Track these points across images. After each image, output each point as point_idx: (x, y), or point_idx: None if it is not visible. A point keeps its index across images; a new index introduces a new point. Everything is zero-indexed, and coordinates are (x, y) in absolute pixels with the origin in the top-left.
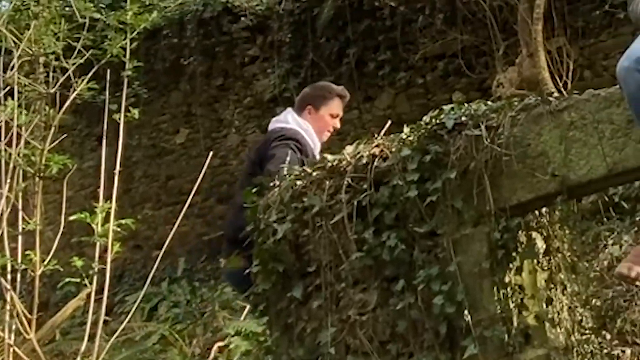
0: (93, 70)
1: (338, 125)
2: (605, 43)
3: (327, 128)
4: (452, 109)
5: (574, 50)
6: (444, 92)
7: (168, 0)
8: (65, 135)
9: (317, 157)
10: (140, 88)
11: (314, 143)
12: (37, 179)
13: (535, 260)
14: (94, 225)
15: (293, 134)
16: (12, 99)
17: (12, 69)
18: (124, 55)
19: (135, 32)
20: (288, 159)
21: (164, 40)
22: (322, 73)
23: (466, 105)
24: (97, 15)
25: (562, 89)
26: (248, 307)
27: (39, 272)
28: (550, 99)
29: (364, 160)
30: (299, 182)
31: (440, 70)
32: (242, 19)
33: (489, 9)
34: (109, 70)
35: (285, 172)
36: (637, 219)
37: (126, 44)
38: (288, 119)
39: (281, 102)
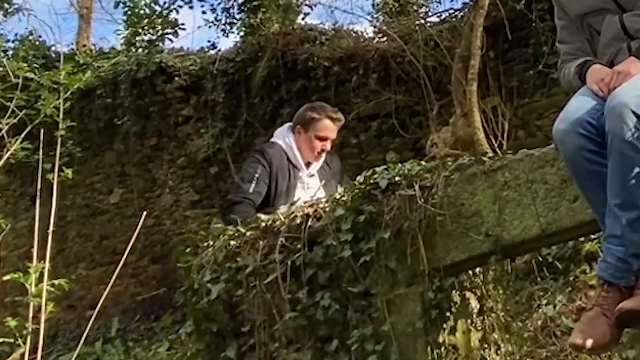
0: (27, 130)
1: (327, 147)
2: (539, 103)
3: (316, 150)
4: (386, 169)
5: (508, 110)
6: (377, 152)
7: (102, 60)
8: None
9: (305, 178)
10: (74, 148)
11: (297, 161)
12: None
13: (469, 320)
14: (27, 285)
15: (263, 147)
16: None
17: None
18: (58, 115)
19: (69, 92)
20: (251, 170)
21: (97, 100)
22: (256, 133)
23: (400, 165)
24: (31, 75)
25: (496, 149)
26: None
27: None
28: (484, 159)
29: (298, 220)
30: (232, 242)
31: (374, 130)
32: (176, 78)
33: (423, 69)
34: (42, 130)
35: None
36: (571, 278)
37: (60, 103)
38: (276, 134)
39: (215, 162)
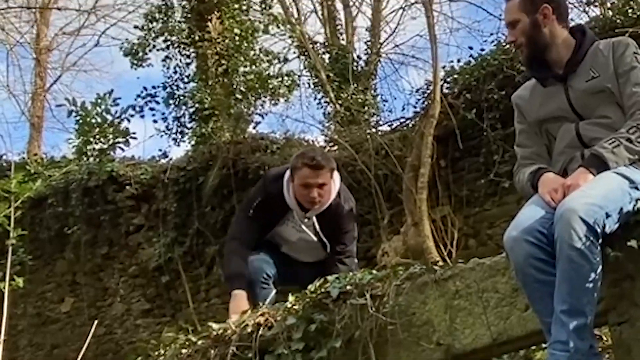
0: None
1: (314, 195)
2: (490, 212)
3: (305, 199)
4: (337, 278)
5: (458, 218)
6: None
7: (53, 168)
8: None
9: (299, 220)
10: (25, 256)
11: (288, 204)
12: None
13: None
14: None
15: (269, 177)
16: None
17: None
18: (9, 224)
19: (20, 201)
20: (251, 202)
21: (49, 208)
22: (208, 242)
23: (351, 274)
24: None
25: (447, 258)
26: None
27: None
28: (435, 267)
29: (249, 329)
30: (184, 351)
31: None
32: (127, 187)
33: (374, 177)
34: None
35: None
36: None
37: (11, 212)
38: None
39: (166, 271)
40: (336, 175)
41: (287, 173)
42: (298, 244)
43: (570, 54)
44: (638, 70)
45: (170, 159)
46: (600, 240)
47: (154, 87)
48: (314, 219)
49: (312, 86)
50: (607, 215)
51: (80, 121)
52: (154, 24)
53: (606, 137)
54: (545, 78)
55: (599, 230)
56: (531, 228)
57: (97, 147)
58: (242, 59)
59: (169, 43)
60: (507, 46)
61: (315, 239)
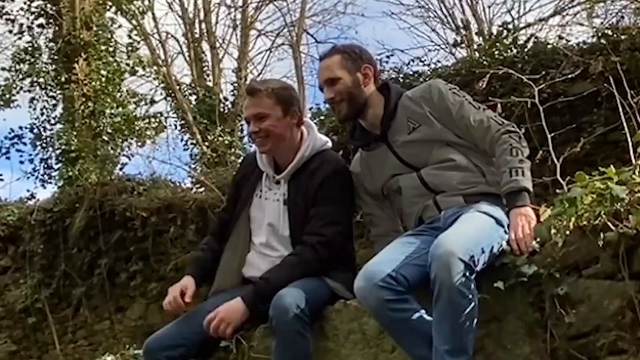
0: None
1: (255, 129)
2: (358, 253)
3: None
4: None
5: None
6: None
7: None
8: None
9: (264, 188)
10: None
11: (261, 163)
12: None
13: None
14: None
15: None
16: None
17: None
18: None
19: None
20: None
21: None
22: (74, 283)
23: None
24: None
25: None
26: None
27: None
28: None
29: None
30: None
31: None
32: None
33: None
34: None
35: None
36: None
37: None
38: None
39: (33, 313)
40: (308, 123)
41: None
42: (261, 232)
43: (383, 112)
44: (465, 102)
45: (37, 201)
46: (474, 276)
47: (20, 128)
48: (284, 182)
49: (179, 128)
50: (482, 251)
51: None
52: (21, 65)
53: (474, 177)
54: (367, 143)
55: (474, 267)
56: (379, 272)
57: None
58: (108, 100)
59: (35, 84)
60: None
61: (281, 218)
